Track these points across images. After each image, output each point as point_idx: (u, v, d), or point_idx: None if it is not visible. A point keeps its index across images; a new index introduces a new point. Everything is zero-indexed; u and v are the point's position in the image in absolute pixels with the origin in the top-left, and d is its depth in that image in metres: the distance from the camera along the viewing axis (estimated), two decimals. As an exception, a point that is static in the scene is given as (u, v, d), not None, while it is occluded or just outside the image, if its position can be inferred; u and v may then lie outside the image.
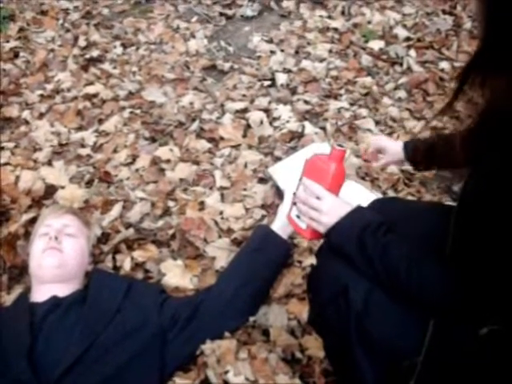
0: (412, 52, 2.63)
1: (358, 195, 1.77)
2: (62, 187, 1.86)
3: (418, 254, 0.94)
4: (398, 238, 0.99)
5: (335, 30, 2.78)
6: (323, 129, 2.17)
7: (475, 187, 0.87)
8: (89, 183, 1.93)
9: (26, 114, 2.22)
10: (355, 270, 1.01)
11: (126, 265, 1.61)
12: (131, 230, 1.72)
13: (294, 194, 1.17)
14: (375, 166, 1.66)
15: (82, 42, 2.65)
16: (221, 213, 1.80)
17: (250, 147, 2.09)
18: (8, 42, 2.63)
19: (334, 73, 2.49)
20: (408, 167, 1.76)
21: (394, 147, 1.50)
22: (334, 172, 1.09)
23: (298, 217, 1.16)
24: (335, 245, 1.07)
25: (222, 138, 2.12)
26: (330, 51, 2.63)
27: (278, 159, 2.02)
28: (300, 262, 1.61)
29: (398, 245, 0.97)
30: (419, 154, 1.42)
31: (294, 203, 1.17)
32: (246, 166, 2.00)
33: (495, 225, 0.82)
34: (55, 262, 1.37)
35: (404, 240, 0.98)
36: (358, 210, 1.06)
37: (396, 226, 1.03)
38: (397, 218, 1.09)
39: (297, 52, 2.64)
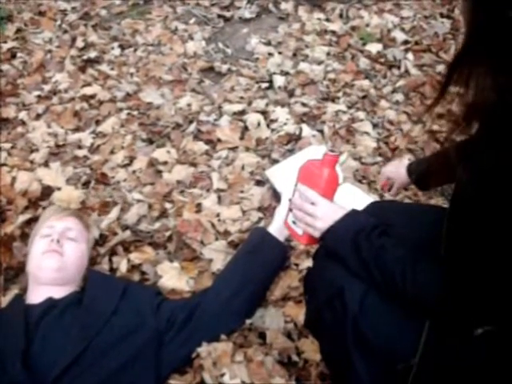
0: (410, 55, 2.63)
1: (355, 198, 1.77)
2: (59, 188, 1.86)
3: (413, 257, 0.94)
4: (393, 240, 0.99)
5: (333, 32, 2.78)
6: (321, 131, 2.18)
7: (466, 185, 0.87)
8: (85, 185, 1.92)
9: (22, 114, 2.22)
10: (351, 273, 1.01)
11: (123, 267, 1.61)
12: (128, 232, 1.72)
13: (290, 200, 1.17)
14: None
15: (79, 43, 2.64)
16: (218, 215, 1.80)
17: (247, 149, 2.09)
18: (5, 42, 2.62)
19: (331, 75, 2.49)
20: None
21: (399, 174, 1.50)
22: (327, 177, 1.10)
23: (294, 223, 1.16)
24: (330, 249, 1.07)
25: (219, 140, 2.12)
26: (328, 54, 2.63)
27: (275, 162, 2.02)
28: (297, 264, 1.61)
29: (393, 247, 0.97)
30: (420, 173, 1.42)
31: (290, 209, 1.17)
32: (243, 168, 2.00)
33: (486, 224, 0.82)
34: (55, 265, 1.37)
35: (399, 243, 0.98)
36: (353, 213, 1.06)
37: (392, 229, 1.03)
38: (394, 221, 1.10)
39: (295, 54, 2.63)
